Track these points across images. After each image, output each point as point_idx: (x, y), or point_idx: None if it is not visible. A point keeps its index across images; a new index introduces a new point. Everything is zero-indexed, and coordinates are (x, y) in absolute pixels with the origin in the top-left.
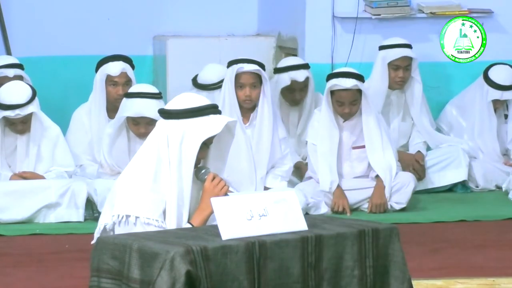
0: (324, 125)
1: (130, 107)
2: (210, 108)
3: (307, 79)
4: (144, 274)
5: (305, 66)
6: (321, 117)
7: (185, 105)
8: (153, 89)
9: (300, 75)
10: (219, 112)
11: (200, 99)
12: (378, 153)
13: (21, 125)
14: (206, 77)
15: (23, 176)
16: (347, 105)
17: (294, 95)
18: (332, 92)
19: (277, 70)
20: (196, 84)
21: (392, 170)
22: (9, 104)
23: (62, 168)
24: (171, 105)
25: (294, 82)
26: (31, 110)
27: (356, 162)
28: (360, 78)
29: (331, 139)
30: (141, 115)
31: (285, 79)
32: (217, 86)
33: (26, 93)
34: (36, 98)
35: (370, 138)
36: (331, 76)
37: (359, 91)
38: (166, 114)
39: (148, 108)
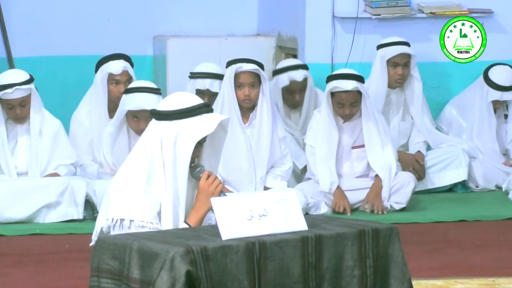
0: (324, 126)
1: (130, 102)
2: (202, 107)
3: (305, 79)
4: (144, 274)
5: (304, 67)
6: (320, 118)
7: (177, 105)
8: (151, 85)
9: (298, 75)
10: (211, 111)
11: (192, 98)
12: (378, 153)
13: (20, 109)
14: (200, 68)
15: None
16: (347, 106)
17: (294, 97)
18: (333, 94)
19: (276, 72)
20: (192, 75)
21: (391, 170)
22: (7, 83)
23: (65, 161)
24: (163, 106)
25: (292, 82)
26: (29, 87)
27: (356, 161)
28: (360, 79)
29: (331, 140)
30: (141, 108)
31: (284, 79)
32: (209, 75)
33: (24, 75)
34: (33, 83)
35: (369, 140)
36: (331, 77)
37: (359, 92)
38: (158, 115)
39: (148, 101)
